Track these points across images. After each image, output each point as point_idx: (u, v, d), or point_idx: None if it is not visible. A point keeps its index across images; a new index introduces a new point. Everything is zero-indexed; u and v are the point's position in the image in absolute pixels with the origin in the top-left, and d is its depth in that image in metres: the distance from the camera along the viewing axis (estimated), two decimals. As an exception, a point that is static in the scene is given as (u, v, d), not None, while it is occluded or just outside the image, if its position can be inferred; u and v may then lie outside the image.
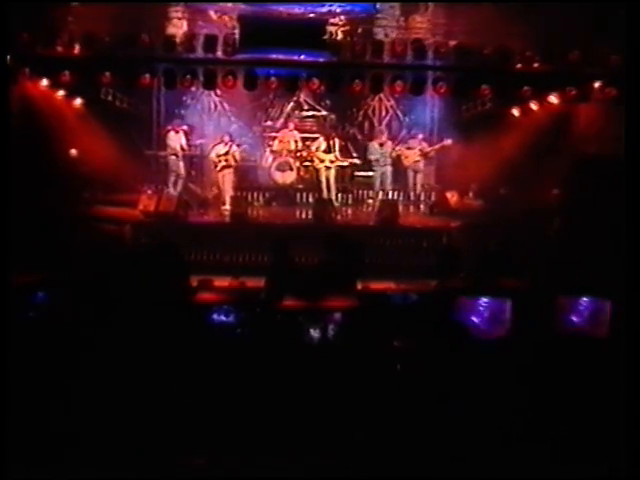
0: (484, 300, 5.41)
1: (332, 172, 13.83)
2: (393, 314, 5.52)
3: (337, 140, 14.02)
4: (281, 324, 5.32)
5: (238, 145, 13.50)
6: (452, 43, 11.28)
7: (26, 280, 5.27)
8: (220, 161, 13.13)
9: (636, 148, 4.85)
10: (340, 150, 14.16)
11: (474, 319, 5.42)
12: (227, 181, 13.09)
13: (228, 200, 12.95)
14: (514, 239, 8.16)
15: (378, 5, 10.54)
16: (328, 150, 13.83)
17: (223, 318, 5.13)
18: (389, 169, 14.01)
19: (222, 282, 8.16)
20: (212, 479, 4.62)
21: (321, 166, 13.76)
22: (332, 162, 13.77)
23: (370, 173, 14.65)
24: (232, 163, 13.08)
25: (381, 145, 14.05)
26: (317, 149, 13.83)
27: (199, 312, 5.22)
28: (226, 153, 13.05)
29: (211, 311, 5.13)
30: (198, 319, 5.11)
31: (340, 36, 11.94)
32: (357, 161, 14.69)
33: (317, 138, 14.23)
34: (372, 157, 14.05)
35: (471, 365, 5.02)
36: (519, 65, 11.11)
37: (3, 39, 5.91)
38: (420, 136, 14.46)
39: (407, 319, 5.43)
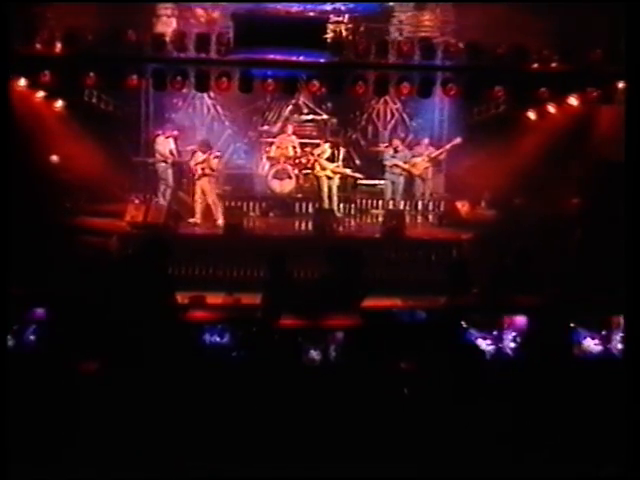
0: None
1: (334, 180, 13.82)
2: (399, 333, 5.50)
3: (342, 149, 14.09)
4: (279, 344, 5.30)
5: (218, 152, 13.41)
6: (463, 41, 11.32)
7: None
8: (197, 169, 12.99)
9: (637, 150, 4.96)
10: (343, 157, 14.18)
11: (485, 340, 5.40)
12: (207, 190, 12.99)
13: (199, 212, 12.91)
14: (530, 252, 8.14)
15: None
16: (332, 159, 13.83)
17: (216, 339, 5.11)
18: (402, 178, 14.02)
19: (215, 299, 8.15)
20: (212, 479, 4.70)
21: (322, 174, 13.75)
22: (334, 172, 13.76)
23: (374, 182, 14.67)
24: (208, 172, 12.95)
25: (396, 151, 14.08)
26: (320, 155, 13.83)
27: (190, 332, 5.19)
28: (203, 161, 12.96)
29: (203, 331, 5.11)
30: (189, 340, 5.09)
31: (342, 35, 11.97)
32: (360, 169, 14.73)
33: (319, 144, 14.24)
34: (388, 164, 14.06)
35: (484, 388, 5.00)
36: (536, 65, 11.11)
37: (3, 40, 5.99)
38: (426, 141, 14.47)
39: (414, 339, 5.41)
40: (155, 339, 5.04)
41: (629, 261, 4.82)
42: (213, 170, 12.95)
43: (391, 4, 10.85)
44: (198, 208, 12.98)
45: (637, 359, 4.61)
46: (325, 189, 13.72)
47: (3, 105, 5.80)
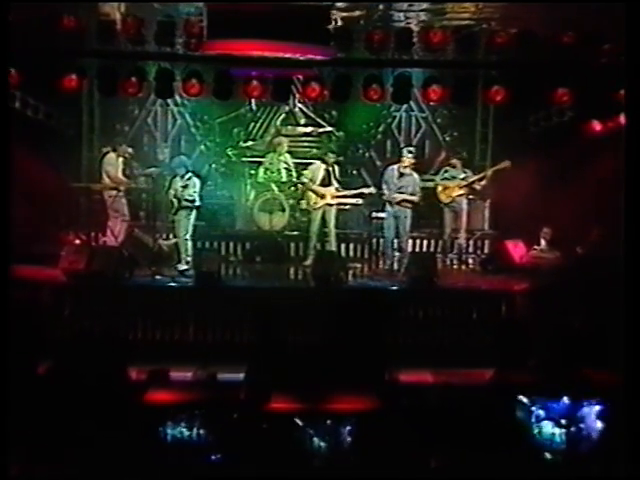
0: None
1: (330, 211, 13.72)
2: (430, 420, 5.49)
3: (336, 167, 13.86)
4: (269, 436, 5.29)
5: (199, 177, 13.40)
6: (514, 28, 11.40)
7: None
8: (177, 200, 13.00)
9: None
10: (350, 180, 14.16)
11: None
12: (182, 228, 13.02)
13: (188, 254, 12.94)
14: (608, 311, 8.09)
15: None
16: (328, 180, 13.71)
17: (183, 431, 5.08)
18: (408, 210, 13.68)
19: (183, 374, 8.13)
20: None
21: (321, 204, 13.73)
22: (333, 197, 13.67)
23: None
24: (189, 205, 12.95)
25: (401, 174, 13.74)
26: (312, 180, 13.81)
27: (148, 422, 5.16)
28: (184, 188, 12.96)
29: (164, 419, 5.08)
30: (146, 433, 5.06)
31: (350, 23, 12.09)
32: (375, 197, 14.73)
33: (312, 164, 14.20)
34: (387, 197, 13.69)
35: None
36: (613, 59, 11.17)
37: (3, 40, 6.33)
38: (458, 162, 14.37)
39: (450, 426, 5.40)
40: (96, 431, 5.02)
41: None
42: (194, 201, 12.99)
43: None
44: (187, 251, 13.03)
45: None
46: (317, 222, 13.65)
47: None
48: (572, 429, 5.35)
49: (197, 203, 13.03)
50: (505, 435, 5.28)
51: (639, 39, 5.87)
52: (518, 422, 5.36)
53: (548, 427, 5.36)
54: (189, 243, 13.08)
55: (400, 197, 13.29)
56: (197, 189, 12.98)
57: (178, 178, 13.02)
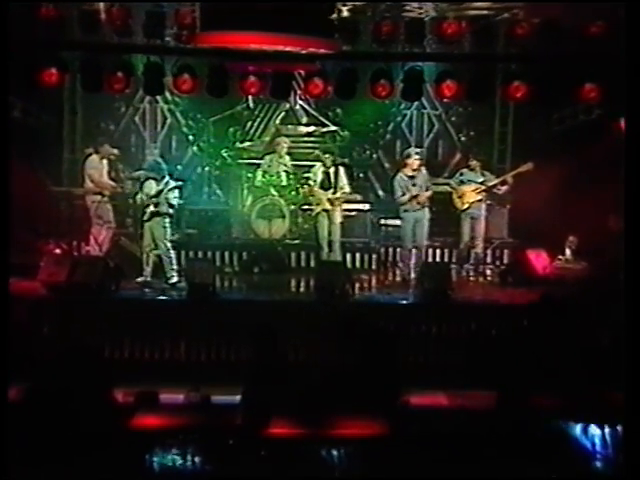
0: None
1: (334, 215, 13.69)
2: (444, 447, 5.47)
3: (341, 168, 13.76)
4: (267, 464, 5.28)
5: (177, 180, 13.21)
6: (536, 18, 11.40)
7: None
8: (149, 205, 12.82)
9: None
10: (356, 184, 14.14)
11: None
12: (160, 235, 12.84)
13: (150, 267, 12.79)
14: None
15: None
16: (327, 183, 13.61)
17: (176, 459, 5.07)
18: (426, 212, 13.59)
19: (173, 396, 8.13)
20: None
21: (318, 209, 13.69)
22: (332, 203, 13.58)
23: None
24: (164, 210, 12.78)
25: (412, 176, 13.50)
26: (314, 182, 13.77)
27: (135, 449, 5.15)
28: (158, 194, 12.81)
29: (154, 446, 5.06)
30: (133, 461, 5.04)
31: (357, 14, 12.12)
32: (384, 203, 14.71)
33: (313, 166, 14.15)
34: (402, 198, 13.49)
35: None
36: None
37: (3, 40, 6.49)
38: (476, 163, 14.30)
39: (468, 454, 5.39)
40: (78, 459, 5.01)
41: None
42: (172, 207, 12.89)
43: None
44: (149, 261, 12.94)
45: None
46: (324, 230, 13.61)
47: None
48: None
49: (171, 211, 12.88)
50: (528, 463, 5.26)
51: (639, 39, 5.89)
52: (542, 450, 5.35)
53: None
54: (171, 253, 12.94)
55: (427, 194, 13.35)
56: (176, 194, 12.84)
57: (153, 183, 12.84)
